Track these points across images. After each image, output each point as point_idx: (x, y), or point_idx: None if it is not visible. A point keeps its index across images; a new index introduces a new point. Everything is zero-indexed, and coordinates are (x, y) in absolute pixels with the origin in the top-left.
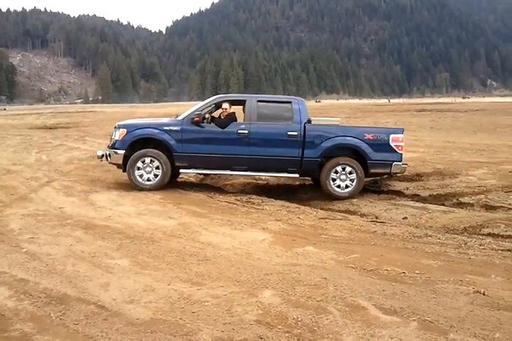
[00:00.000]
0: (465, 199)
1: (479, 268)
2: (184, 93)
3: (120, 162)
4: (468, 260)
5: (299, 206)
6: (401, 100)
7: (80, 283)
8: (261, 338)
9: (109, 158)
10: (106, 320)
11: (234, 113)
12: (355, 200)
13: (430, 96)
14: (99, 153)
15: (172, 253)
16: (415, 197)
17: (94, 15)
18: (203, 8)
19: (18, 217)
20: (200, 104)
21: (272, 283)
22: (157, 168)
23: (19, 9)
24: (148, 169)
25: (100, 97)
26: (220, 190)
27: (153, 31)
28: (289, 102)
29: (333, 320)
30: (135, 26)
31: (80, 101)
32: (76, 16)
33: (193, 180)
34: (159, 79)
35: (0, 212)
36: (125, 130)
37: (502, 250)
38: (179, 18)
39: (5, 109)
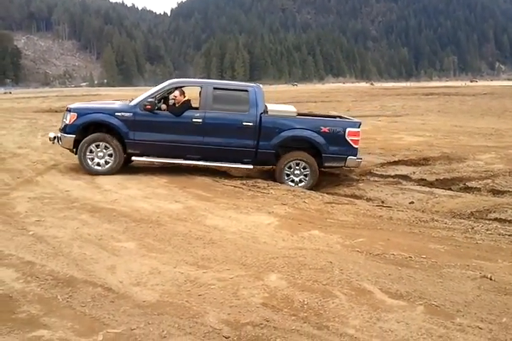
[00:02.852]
0: (472, 184)
1: (486, 252)
2: (189, 76)
3: (71, 146)
4: (475, 245)
5: (304, 190)
6: (408, 83)
7: (86, 265)
8: (267, 321)
9: (60, 142)
10: (113, 302)
11: (189, 100)
12: (361, 185)
13: (438, 79)
14: (52, 135)
15: (178, 237)
16: (422, 182)
17: None
18: None
19: (24, 200)
20: (153, 89)
21: (277, 267)
22: (109, 153)
23: None
24: (101, 154)
25: (106, 80)
26: (225, 174)
27: (158, 13)
28: (246, 90)
29: (339, 304)
30: (140, 8)
31: (85, 84)
32: None
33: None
34: (164, 62)
35: (6, 195)
36: (76, 114)
37: (509, 235)
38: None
39: (10, 93)
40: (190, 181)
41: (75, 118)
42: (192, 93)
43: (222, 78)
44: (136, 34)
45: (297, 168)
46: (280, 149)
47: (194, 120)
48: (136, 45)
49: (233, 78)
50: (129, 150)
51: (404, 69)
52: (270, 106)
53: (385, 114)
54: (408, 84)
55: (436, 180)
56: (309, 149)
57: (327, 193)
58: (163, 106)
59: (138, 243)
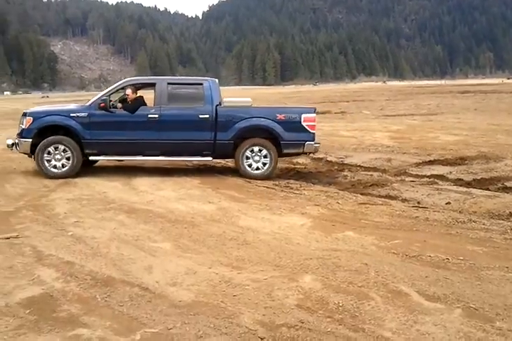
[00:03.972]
0: (510, 184)
1: None
2: (221, 78)
3: (28, 151)
4: None
5: (338, 191)
6: (443, 81)
7: (124, 265)
8: (302, 322)
9: (18, 147)
10: (150, 301)
11: (141, 97)
12: (396, 185)
13: (473, 77)
14: (9, 141)
15: (212, 238)
16: (458, 182)
17: (132, 2)
18: None
19: (63, 201)
20: (107, 88)
21: (312, 268)
22: (67, 155)
23: None
24: (58, 157)
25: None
26: None
27: (189, 16)
28: (200, 84)
29: (375, 306)
30: (172, 12)
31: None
32: (114, 4)
33: (230, 164)
34: (196, 64)
35: (46, 196)
36: (31, 118)
37: None
38: (215, 2)
39: (47, 96)
40: (222, 182)
41: (31, 122)
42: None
43: (253, 79)
44: (168, 37)
45: (256, 154)
46: (238, 140)
47: (150, 116)
48: (169, 49)
49: (264, 79)
50: (87, 151)
51: (438, 67)
52: (226, 99)
53: (419, 113)
54: (443, 82)
55: (474, 179)
56: (268, 138)
57: (361, 194)
58: (119, 105)
59: (173, 243)
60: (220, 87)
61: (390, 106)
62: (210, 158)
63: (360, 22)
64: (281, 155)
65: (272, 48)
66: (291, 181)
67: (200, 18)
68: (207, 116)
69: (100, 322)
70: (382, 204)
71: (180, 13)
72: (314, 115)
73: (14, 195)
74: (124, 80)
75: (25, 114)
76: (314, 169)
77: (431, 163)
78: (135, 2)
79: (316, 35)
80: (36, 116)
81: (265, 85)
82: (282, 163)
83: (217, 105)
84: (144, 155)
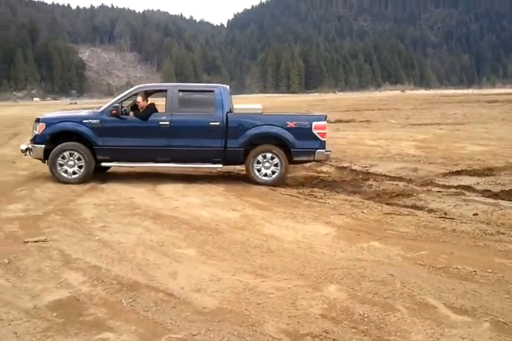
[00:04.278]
0: None
1: None
2: (245, 86)
3: (41, 156)
4: None
5: (362, 200)
6: (469, 90)
7: (149, 271)
8: (327, 332)
9: (31, 153)
10: (174, 307)
11: (153, 104)
12: (422, 195)
13: (501, 86)
14: (23, 147)
15: (236, 245)
16: (486, 193)
17: (159, 10)
18: (264, 0)
19: (90, 206)
20: (119, 95)
21: (336, 278)
22: (79, 161)
23: (88, 6)
24: (71, 163)
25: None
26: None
27: (215, 25)
28: (212, 91)
29: (401, 318)
30: (197, 20)
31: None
32: (141, 12)
33: None
34: (221, 72)
35: (73, 201)
36: (44, 124)
37: None
38: (240, 10)
39: (76, 103)
40: (246, 190)
41: (44, 128)
42: None
43: (277, 87)
44: (194, 46)
45: (267, 160)
46: (249, 147)
47: (161, 123)
48: (194, 57)
49: (288, 87)
50: (99, 157)
51: (465, 75)
52: (237, 106)
53: (446, 122)
54: (470, 91)
55: (502, 191)
56: (278, 145)
57: (386, 203)
58: (131, 113)
59: (198, 250)
60: (244, 95)
61: (415, 115)
62: (220, 165)
63: (386, 30)
64: (291, 162)
65: (296, 56)
66: (316, 189)
67: (225, 26)
68: (217, 123)
69: (126, 326)
70: (408, 215)
71: (205, 21)
72: (325, 122)
73: (43, 199)
74: (135, 87)
75: (38, 120)
76: (339, 178)
77: (458, 173)
78: (161, 10)
79: (341, 43)
80: (49, 122)
81: (289, 93)
82: (306, 171)
83: (228, 112)
84: (154, 162)
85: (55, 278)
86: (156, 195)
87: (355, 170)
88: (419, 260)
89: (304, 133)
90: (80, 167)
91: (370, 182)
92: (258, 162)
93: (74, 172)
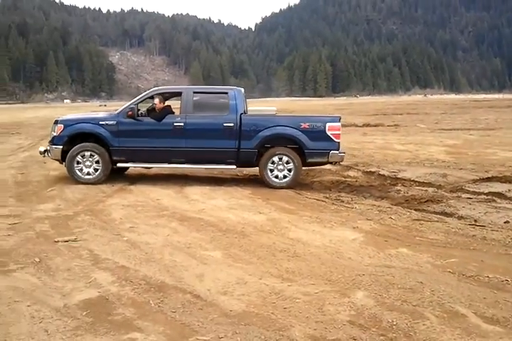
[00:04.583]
0: None
1: None
2: (272, 89)
3: (59, 157)
4: None
5: (390, 206)
6: (501, 95)
7: (176, 272)
8: (354, 339)
9: (49, 154)
10: (201, 309)
11: (169, 106)
12: (452, 202)
13: None
14: (41, 149)
15: (262, 248)
16: None
17: (188, 14)
18: (292, 4)
19: (119, 207)
20: (136, 97)
21: (364, 284)
22: (97, 162)
23: (118, 10)
24: (88, 163)
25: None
26: (307, 186)
27: (242, 28)
28: (226, 93)
29: (430, 326)
30: (225, 24)
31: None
32: (170, 16)
33: None
34: (248, 75)
35: (103, 202)
36: (62, 125)
37: None
38: (268, 14)
39: (105, 105)
40: (273, 193)
41: (62, 129)
42: None
43: (304, 90)
44: (221, 49)
45: (280, 162)
46: (262, 148)
47: (176, 124)
48: (222, 60)
49: (315, 90)
50: (114, 158)
51: (496, 80)
52: (251, 108)
53: (476, 128)
54: (501, 96)
55: None
56: (292, 147)
57: (415, 209)
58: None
59: (224, 252)
60: (270, 98)
61: (445, 119)
62: (233, 167)
63: (416, 33)
64: (305, 164)
65: (323, 60)
66: (342, 194)
67: (253, 29)
68: (231, 124)
69: (154, 327)
70: (437, 221)
71: (233, 25)
72: (339, 124)
73: (73, 199)
74: (151, 90)
75: (56, 122)
76: (366, 182)
77: (488, 179)
78: (190, 14)
79: (369, 47)
80: (67, 123)
81: (316, 97)
82: (333, 176)
83: (242, 114)
84: (169, 163)
85: (84, 278)
86: (183, 197)
87: (383, 175)
88: (449, 268)
89: (318, 134)
90: (97, 168)
91: (398, 188)
92: (273, 163)
93: (91, 172)
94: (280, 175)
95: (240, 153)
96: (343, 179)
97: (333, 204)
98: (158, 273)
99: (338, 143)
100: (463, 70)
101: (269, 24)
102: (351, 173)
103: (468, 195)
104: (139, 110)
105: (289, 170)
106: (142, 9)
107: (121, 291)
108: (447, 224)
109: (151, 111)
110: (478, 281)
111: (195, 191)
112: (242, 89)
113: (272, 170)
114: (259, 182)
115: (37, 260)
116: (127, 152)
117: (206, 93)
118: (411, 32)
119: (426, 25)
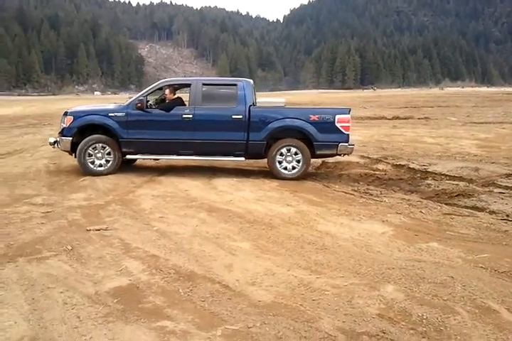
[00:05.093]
0: None
1: None
2: (299, 81)
3: (68, 148)
4: None
5: (420, 200)
6: None
7: (205, 262)
8: (384, 333)
9: (59, 145)
10: (230, 299)
11: (180, 97)
12: (483, 196)
13: None
14: (51, 140)
15: (291, 240)
16: None
17: (216, 6)
18: None
19: (148, 197)
20: (145, 89)
21: (394, 278)
22: (108, 153)
23: (147, 3)
24: (99, 155)
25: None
26: (335, 179)
27: (270, 21)
28: (235, 85)
29: (462, 321)
30: (253, 16)
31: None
32: (198, 8)
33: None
34: (275, 67)
35: (133, 192)
36: (72, 117)
37: None
38: (297, 6)
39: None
40: (300, 185)
41: (71, 121)
42: None
43: (332, 82)
44: (249, 41)
45: (289, 154)
46: (271, 140)
47: (184, 116)
48: (249, 52)
49: (343, 82)
50: (124, 149)
51: None
52: (260, 100)
53: (509, 121)
54: None
55: None
56: (300, 138)
57: (445, 204)
58: (156, 106)
59: (252, 244)
60: (297, 91)
61: (477, 112)
62: (242, 158)
63: (447, 25)
64: (314, 156)
65: (352, 51)
66: (371, 187)
67: (281, 21)
68: (240, 116)
69: (183, 315)
70: (468, 216)
71: (261, 17)
72: (348, 116)
73: (104, 189)
74: (160, 81)
75: (66, 113)
76: (395, 176)
77: None
78: (218, 7)
79: (399, 38)
80: (76, 115)
81: (344, 89)
82: (361, 169)
83: (251, 105)
84: (178, 155)
85: (115, 266)
86: (211, 188)
87: (413, 169)
88: (481, 263)
89: (327, 126)
90: (108, 159)
91: (428, 182)
92: (281, 154)
93: (102, 164)
94: (289, 166)
95: (248, 145)
96: (372, 172)
97: (361, 197)
98: (187, 262)
99: (348, 135)
100: (495, 62)
101: (298, 16)
102: (380, 166)
103: (500, 190)
104: (148, 101)
105: (298, 162)
106: (171, 2)
107: (151, 280)
108: (478, 218)
109: (159, 103)
110: (511, 277)
111: (222, 183)
112: (251, 81)
113: (280, 162)
114: None
115: (69, 248)
116: (136, 144)
117: (215, 85)
118: (442, 24)
119: (458, 17)
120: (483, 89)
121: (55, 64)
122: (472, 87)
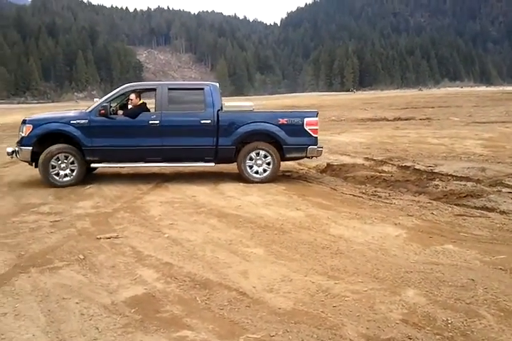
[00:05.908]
0: None
1: None
2: (298, 84)
3: (28, 159)
4: None
5: (430, 201)
6: None
7: (220, 269)
8: (410, 338)
9: (18, 155)
10: (248, 307)
11: (144, 103)
12: (492, 196)
13: None
14: (9, 149)
15: (304, 245)
16: None
17: (213, 11)
18: None
19: (157, 203)
20: (107, 95)
21: (413, 282)
22: (72, 162)
23: (145, 9)
24: (63, 165)
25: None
26: (341, 182)
27: (268, 24)
28: (201, 89)
29: (488, 325)
30: (251, 20)
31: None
32: (196, 13)
33: (313, 171)
34: (274, 71)
35: (140, 198)
36: (31, 125)
37: None
38: (294, 9)
39: None
40: (308, 189)
41: (31, 129)
42: None
43: (330, 85)
44: (247, 45)
45: (258, 157)
46: (240, 145)
47: (151, 122)
48: (247, 56)
49: (342, 85)
50: (88, 158)
51: None
52: (227, 104)
53: None
54: None
55: None
56: (270, 142)
57: (455, 204)
58: (120, 112)
59: (266, 249)
60: (296, 94)
61: (478, 112)
62: (212, 164)
63: (444, 25)
64: (283, 159)
65: (350, 53)
66: (379, 189)
67: (279, 25)
68: (208, 121)
69: (203, 324)
70: (480, 216)
71: (259, 21)
72: (317, 119)
73: (111, 196)
74: (123, 86)
75: (24, 122)
76: (401, 177)
77: None
78: (216, 11)
79: (397, 40)
80: (36, 123)
81: (343, 91)
82: (367, 171)
83: (219, 110)
84: (145, 162)
85: (129, 275)
86: (219, 194)
87: (419, 170)
88: (499, 264)
89: (296, 129)
90: (73, 168)
91: (435, 182)
92: (251, 159)
93: (66, 175)
94: (260, 169)
95: (218, 150)
96: (378, 174)
97: (370, 199)
98: (202, 269)
99: (316, 137)
100: (493, 62)
101: (295, 19)
102: (386, 168)
103: (508, 190)
104: (111, 107)
105: (268, 164)
106: (168, 7)
107: (167, 288)
108: (491, 219)
109: (123, 109)
110: None
111: (229, 188)
112: (218, 84)
113: (251, 167)
114: (293, 178)
115: (81, 257)
116: (101, 152)
117: (181, 89)
118: (439, 24)
119: (455, 17)
120: (482, 88)
121: (53, 71)
122: (471, 86)
